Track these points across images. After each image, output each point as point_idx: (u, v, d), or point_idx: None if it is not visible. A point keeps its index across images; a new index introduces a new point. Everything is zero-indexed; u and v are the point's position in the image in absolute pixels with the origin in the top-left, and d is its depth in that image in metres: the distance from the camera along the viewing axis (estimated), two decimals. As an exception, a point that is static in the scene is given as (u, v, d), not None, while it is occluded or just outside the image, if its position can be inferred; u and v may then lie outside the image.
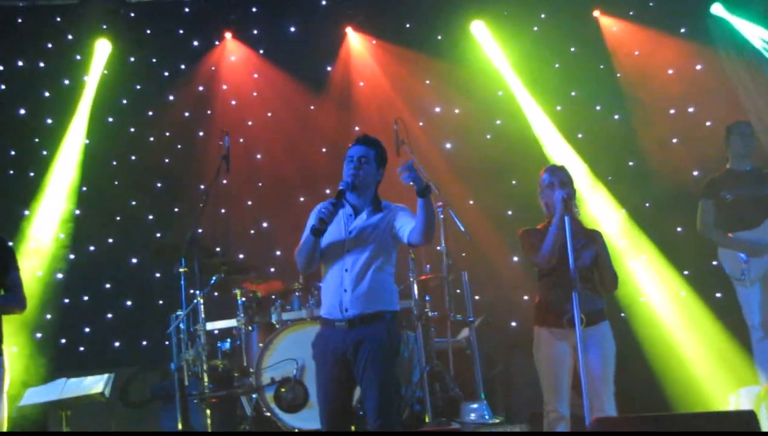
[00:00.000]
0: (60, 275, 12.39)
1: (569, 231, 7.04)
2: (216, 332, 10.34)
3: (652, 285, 11.98)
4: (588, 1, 13.30)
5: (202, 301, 9.77)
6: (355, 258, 6.40)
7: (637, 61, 13.06)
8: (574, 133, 12.97)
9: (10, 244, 7.40)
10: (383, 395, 6.24)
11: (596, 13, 13.30)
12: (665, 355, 11.17)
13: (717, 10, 12.72)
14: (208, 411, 9.45)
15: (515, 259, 12.44)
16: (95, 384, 8.69)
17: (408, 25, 13.59)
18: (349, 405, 6.60)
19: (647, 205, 12.55)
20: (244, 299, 10.10)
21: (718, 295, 11.41)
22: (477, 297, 11.58)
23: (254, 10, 13.54)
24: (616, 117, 13.02)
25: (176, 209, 13.02)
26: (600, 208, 12.40)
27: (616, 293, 8.24)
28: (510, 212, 12.77)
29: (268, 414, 9.24)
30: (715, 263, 9.98)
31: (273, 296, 10.20)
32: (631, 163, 12.81)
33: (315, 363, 6.53)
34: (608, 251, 7.61)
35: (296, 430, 9.02)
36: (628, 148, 12.81)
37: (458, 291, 10.56)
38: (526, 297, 11.94)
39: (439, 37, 13.50)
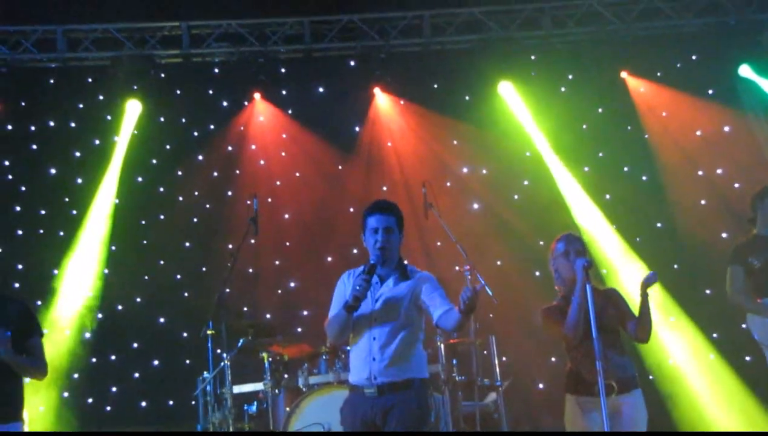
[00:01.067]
0: (88, 335, 12.44)
1: (591, 300, 6.97)
2: (243, 394, 10.28)
3: (680, 348, 11.89)
4: (615, 63, 13.30)
5: (229, 363, 9.76)
6: (382, 327, 6.35)
7: (665, 123, 13.08)
8: (601, 195, 12.98)
9: (37, 306, 7.40)
10: None
11: (624, 75, 13.34)
12: (694, 419, 11.09)
13: (745, 71, 12.72)
14: (236, 476, 9.43)
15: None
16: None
17: (435, 86, 13.66)
18: None
19: (675, 266, 12.51)
20: (271, 361, 10.07)
21: (748, 359, 11.32)
22: (504, 359, 11.54)
23: (283, 70, 13.63)
24: (644, 178, 13.02)
25: (204, 269, 13.06)
26: (627, 270, 12.34)
27: (644, 355, 8.16)
28: (537, 273, 12.68)
29: (294, 478, 9.20)
30: (744, 326, 9.90)
31: (300, 360, 10.18)
32: (659, 225, 12.79)
33: (343, 428, 6.48)
34: (627, 304, 7.55)
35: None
36: (656, 210, 12.80)
37: (485, 352, 10.50)
38: (553, 359, 11.88)
39: (467, 98, 13.56)
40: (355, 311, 6.27)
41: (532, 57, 13.35)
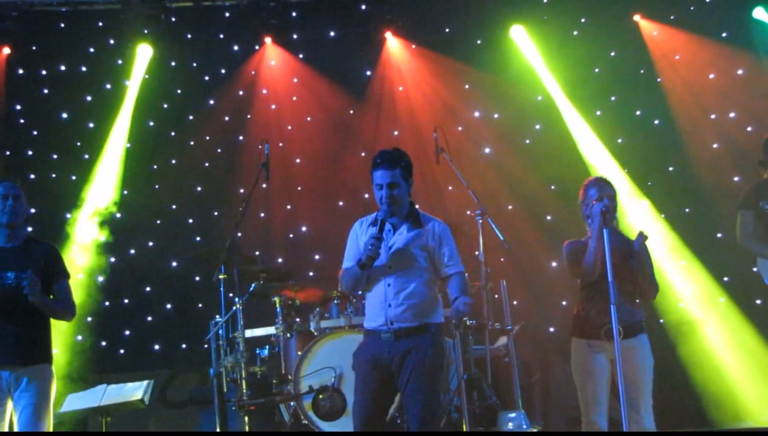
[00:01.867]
0: (101, 278, 12.51)
1: (608, 244, 6.98)
2: (255, 338, 10.35)
3: (690, 291, 11.90)
4: (628, 6, 13.20)
5: (241, 308, 9.82)
6: (397, 274, 6.47)
7: (678, 66, 12.97)
8: (613, 139, 12.92)
9: (57, 249, 7.44)
10: (427, 408, 6.29)
11: (637, 17, 13.21)
12: (704, 364, 11.13)
13: (759, 14, 12.59)
14: (246, 418, 9.52)
15: (554, 264, 12.39)
16: (135, 391, 8.76)
17: (447, 30, 13.56)
18: (386, 415, 6.65)
19: (687, 210, 12.49)
20: (282, 306, 10.13)
21: (758, 302, 11.34)
22: (515, 303, 11.58)
23: (294, 14, 13.55)
24: (656, 122, 12.95)
25: (216, 213, 13.12)
26: (638, 214, 12.33)
27: (655, 299, 8.15)
28: (549, 217, 12.72)
29: (306, 422, 9.29)
30: (755, 269, 9.90)
31: (311, 304, 10.24)
32: (671, 169, 12.74)
33: (356, 371, 6.57)
34: (650, 260, 7.57)
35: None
36: (668, 154, 12.75)
37: (496, 296, 10.53)
38: (564, 303, 11.92)
39: (479, 42, 13.47)
40: (369, 268, 6.38)
41: (545, 0, 13.26)
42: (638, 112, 13.03)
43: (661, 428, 7.40)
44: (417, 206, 6.88)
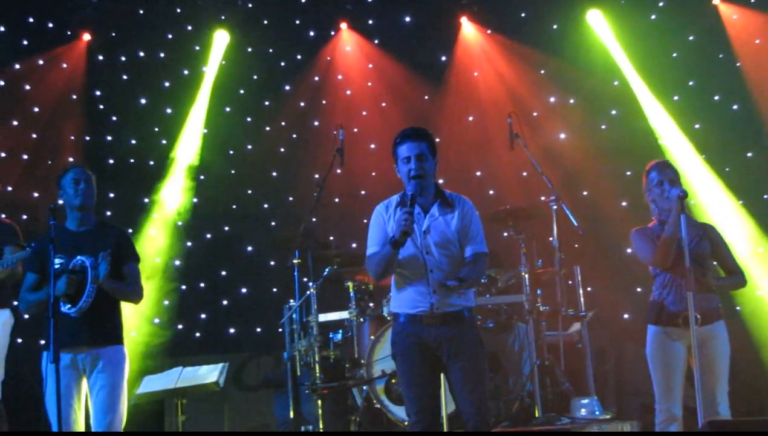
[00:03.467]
0: (178, 262, 12.69)
1: (685, 230, 6.90)
2: (328, 322, 10.40)
3: (768, 279, 11.75)
4: (708, -11, 13.03)
5: (315, 292, 9.89)
6: (437, 259, 6.24)
7: (758, 50, 12.73)
8: (691, 124, 12.75)
9: (129, 233, 7.56)
10: (481, 394, 6.18)
11: (716, 1, 13.00)
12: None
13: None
14: (319, 401, 9.59)
15: (629, 251, 12.24)
16: (210, 374, 8.85)
17: (523, 15, 13.51)
18: (439, 400, 6.54)
19: (765, 197, 12.28)
20: (356, 290, 10.18)
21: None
22: (589, 289, 11.51)
23: (369, 0, 13.57)
24: (735, 107, 12.73)
25: (291, 198, 13.24)
26: (715, 200, 12.19)
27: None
28: (624, 203, 12.60)
29: (378, 406, 9.33)
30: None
31: (385, 289, 10.24)
32: (749, 155, 12.52)
33: (401, 359, 6.32)
34: (726, 244, 7.48)
35: (405, 423, 9.05)
36: (748, 139, 12.53)
37: (570, 282, 10.48)
38: (639, 289, 11.80)
39: (555, 27, 13.39)
40: (402, 246, 6.10)
41: (622, -16, 13.17)
42: (717, 98, 12.82)
43: (735, 415, 7.32)
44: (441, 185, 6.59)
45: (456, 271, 6.22)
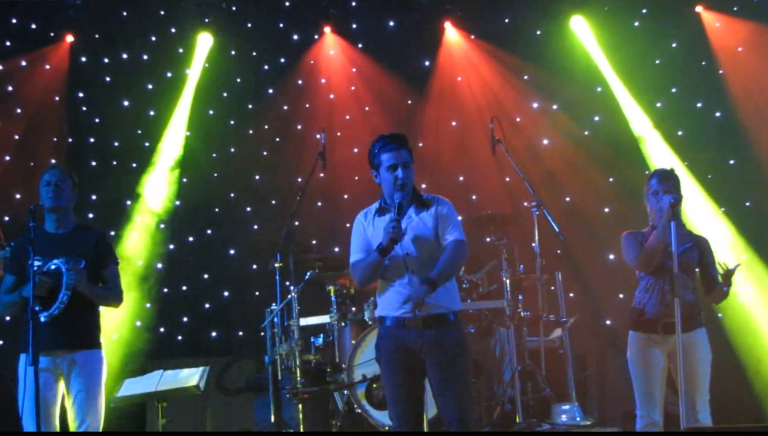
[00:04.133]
0: (160, 265, 12.67)
1: (674, 237, 6.92)
2: (309, 326, 10.40)
3: (750, 287, 11.77)
4: (691, -4, 13.07)
5: (296, 296, 9.88)
6: (418, 259, 6.25)
7: (741, 58, 12.76)
8: (673, 131, 12.77)
9: (110, 236, 7.56)
10: (463, 398, 6.19)
11: (699, 9, 13.01)
12: (763, 360, 11.00)
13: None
14: (300, 406, 9.58)
15: (611, 257, 12.29)
16: (191, 377, 8.82)
17: (506, 20, 13.50)
18: (422, 404, 6.53)
19: (747, 204, 12.32)
20: (337, 295, 10.19)
21: (820, 298, 11.22)
22: (571, 295, 11.55)
23: (353, 4, 13.60)
24: (718, 114, 12.77)
25: (274, 202, 13.24)
26: (698, 208, 12.22)
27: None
28: (607, 210, 12.64)
29: (359, 411, 9.33)
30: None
31: (366, 293, 10.25)
32: (732, 162, 12.55)
33: (384, 363, 6.35)
34: (714, 258, 7.52)
35: (386, 428, 9.06)
36: (730, 147, 12.56)
37: (552, 288, 10.50)
38: (621, 296, 11.82)
39: (538, 33, 13.39)
40: (389, 254, 6.15)
41: (606, -10, 13.19)
42: (699, 105, 12.86)
43: (717, 423, 7.35)
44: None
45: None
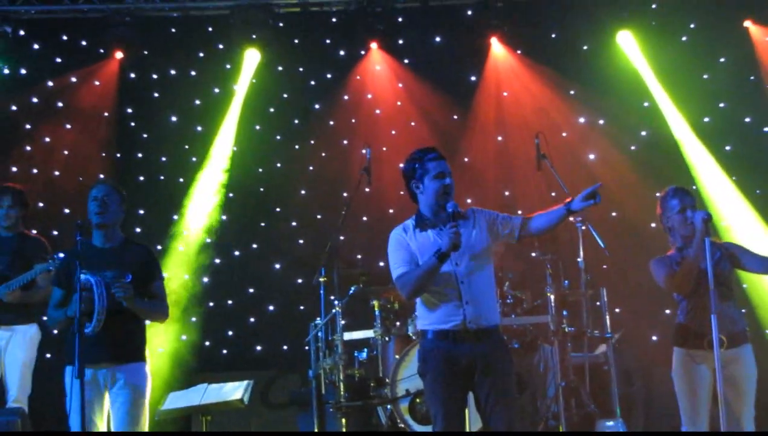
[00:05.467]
0: (206, 279, 12.78)
1: (709, 253, 6.85)
2: (353, 341, 10.42)
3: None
4: (739, 11, 12.93)
5: (340, 310, 9.91)
6: (467, 268, 6.24)
7: (790, 72, 12.70)
8: (721, 146, 12.71)
9: (157, 250, 7.62)
10: (512, 412, 6.18)
11: (747, 23, 12.94)
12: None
13: None
14: (344, 420, 9.60)
15: (654, 272, 12.20)
16: (235, 391, 8.87)
17: (553, 35, 13.47)
18: (465, 420, 6.49)
19: (794, 219, 12.22)
20: (381, 309, 10.20)
21: None
22: (617, 310, 11.48)
23: (400, 20, 13.60)
24: (766, 129, 12.67)
25: (319, 216, 13.25)
26: (745, 223, 12.11)
27: (758, 309, 8.01)
28: (653, 225, 12.48)
29: (402, 425, 9.33)
30: None
31: (410, 308, 10.24)
32: (781, 178, 12.48)
33: (431, 377, 6.27)
34: (744, 248, 7.43)
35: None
36: (779, 162, 12.49)
37: (597, 303, 10.44)
38: (667, 311, 11.73)
39: (585, 48, 13.35)
40: (447, 260, 6.10)
41: (653, 6, 13.06)
42: (747, 120, 12.79)
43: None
44: None
45: (488, 286, 6.33)
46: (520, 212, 11.44)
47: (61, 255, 7.96)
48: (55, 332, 9.10)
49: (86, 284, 6.71)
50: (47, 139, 12.70)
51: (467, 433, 8.22)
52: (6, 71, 12.75)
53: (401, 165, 6.62)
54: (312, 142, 13.62)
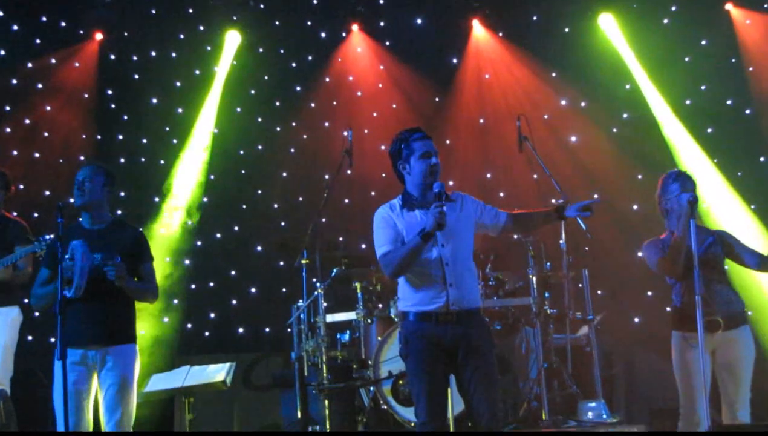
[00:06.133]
0: (187, 262, 12.77)
1: (695, 235, 6.85)
2: (336, 323, 10.42)
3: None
4: (720, -6, 13.00)
5: (322, 293, 9.89)
6: (452, 251, 6.19)
7: (771, 54, 12.73)
8: (703, 128, 12.74)
9: (143, 233, 7.58)
10: (494, 393, 6.16)
11: (728, 6, 12.97)
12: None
13: None
14: (327, 401, 9.58)
15: (639, 254, 12.20)
16: (217, 373, 8.85)
17: (535, 18, 13.51)
18: (447, 400, 6.47)
19: (778, 201, 12.27)
20: (363, 292, 10.19)
21: None
22: (599, 292, 11.51)
23: (381, 2, 13.63)
24: (748, 112, 12.73)
25: (300, 199, 13.27)
26: (727, 205, 12.15)
27: (746, 294, 8.01)
28: (635, 207, 12.60)
29: (385, 407, 9.31)
30: None
31: (392, 290, 10.24)
32: (762, 159, 12.52)
33: (413, 358, 6.22)
34: (739, 240, 7.44)
35: (411, 424, 9.06)
36: (760, 144, 12.52)
37: (579, 285, 10.45)
38: (649, 293, 11.79)
39: (567, 30, 13.38)
40: (431, 240, 6.05)
41: (635, -13, 13.13)
42: (729, 102, 12.82)
43: (757, 421, 7.29)
44: None
45: (470, 268, 6.29)
46: (501, 195, 11.52)
47: (48, 237, 7.92)
48: (36, 314, 9.04)
49: (71, 253, 6.70)
50: (27, 121, 12.59)
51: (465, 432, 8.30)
52: (-15, 53, 12.67)
53: (388, 146, 6.56)
54: (293, 124, 13.62)
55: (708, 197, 12.30)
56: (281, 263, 12.86)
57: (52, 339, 6.84)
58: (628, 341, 11.53)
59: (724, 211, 12.04)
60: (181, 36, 13.51)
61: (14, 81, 12.72)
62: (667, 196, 7.36)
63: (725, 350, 6.98)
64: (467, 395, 6.17)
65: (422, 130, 6.51)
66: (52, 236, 7.61)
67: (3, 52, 12.79)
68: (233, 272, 13.21)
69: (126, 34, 13.27)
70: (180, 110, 13.33)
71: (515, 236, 10.43)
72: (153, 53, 13.43)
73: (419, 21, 13.77)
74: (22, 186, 11.92)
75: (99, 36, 13.09)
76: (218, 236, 13.23)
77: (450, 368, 6.23)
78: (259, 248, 13.26)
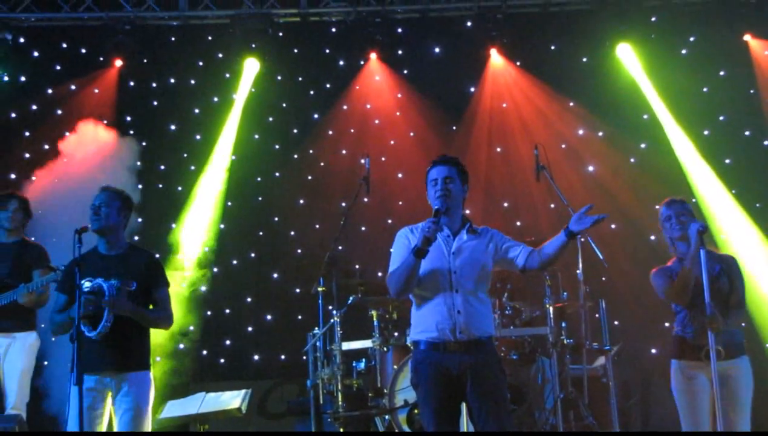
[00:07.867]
0: (203, 288, 12.75)
1: (705, 265, 6.84)
2: (351, 351, 10.39)
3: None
4: (738, 25, 12.95)
5: (339, 320, 9.89)
6: (464, 279, 6.22)
7: (789, 86, 12.72)
8: (721, 159, 12.72)
9: (159, 259, 7.58)
10: (506, 423, 6.11)
11: (747, 37, 12.97)
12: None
13: None
14: (342, 430, 9.57)
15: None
16: (233, 400, 8.87)
17: (553, 47, 13.50)
18: (458, 430, 6.47)
19: (795, 233, 12.22)
20: (380, 320, 10.17)
21: None
22: (616, 323, 11.46)
23: (399, 30, 13.62)
24: (766, 143, 12.69)
25: (317, 226, 13.24)
26: (745, 236, 12.11)
27: (759, 324, 7.99)
28: (653, 238, 12.52)
29: (400, 436, 9.31)
30: None
31: (408, 318, 10.20)
32: (780, 191, 12.49)
33: (422, 388, 6.23)
34: (741, 277, 7.39)
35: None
36: (778, 175, 12.50)
37: (596, 316, 10.41)
38: (667, 324, 11.71)
39: (584, 60, 13.38)
40: (424, 256, 6.07)
41: (653, 18, 13.07)
42: (747, 133, 12.82)
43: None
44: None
45: (482, 298, 6.28)
46: (518, 224, 11.51)
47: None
48: (54, 339, 9.07)
49: (95, 288, 6.70)
50: (46, 147, 12.65)
51: (462, 433, 8.25)
52: (6, 79, 12.76)
53: (404, 174, 6.65)
54: (311, 151, 13.64)
55: (726, 228, 12.26)
56: (297, 291, 12.86)
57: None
58: (645, 371, 11.47)
59: (743, 242, 11.98)
60: (200, 63, 13.59)
61: (34, 107, 12.82)
62: (660, 222, 7.41)
63: (725, 379, 6.93)
64: (477, 426, 6.16)
65: (442, 157, 6.63)
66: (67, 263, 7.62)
67: (23, 79, 12.91)
68: (249, 299, 13.22)
69: (145, 61, 13.30)
70: (198, 137, 13.38)
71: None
72: (172, 80, 13.51)
73: (437, 50, 13.79)
74: (41, 211, 11.96)
75: (119, 63, 13.14)
76: (235, 262, 13.24)
77: (460, 397, 6.23)
78: (275, 275, 13.27)
